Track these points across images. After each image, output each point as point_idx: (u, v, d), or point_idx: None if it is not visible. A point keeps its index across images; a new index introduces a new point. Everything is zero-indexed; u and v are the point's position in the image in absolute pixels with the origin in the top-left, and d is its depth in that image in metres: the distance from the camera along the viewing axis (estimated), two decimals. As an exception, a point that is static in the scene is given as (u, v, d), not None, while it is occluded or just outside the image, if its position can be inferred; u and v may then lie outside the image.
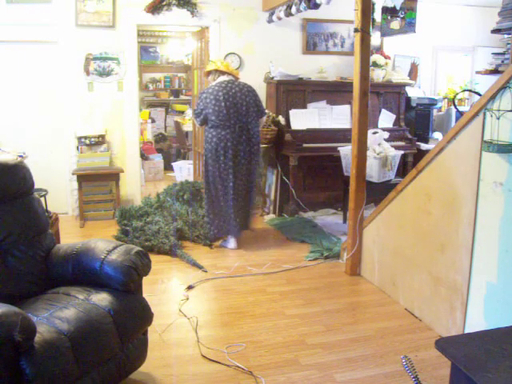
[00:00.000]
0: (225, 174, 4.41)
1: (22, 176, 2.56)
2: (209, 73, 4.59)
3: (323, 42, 6.30)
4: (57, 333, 1.97)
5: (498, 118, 2.47)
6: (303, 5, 5.04)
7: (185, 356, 2.80)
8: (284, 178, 5.63)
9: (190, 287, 3.73)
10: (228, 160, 4.37)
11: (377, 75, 6.01)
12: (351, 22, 4.88)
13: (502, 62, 3.84)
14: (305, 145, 5.55)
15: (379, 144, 5.03)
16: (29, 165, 2.66)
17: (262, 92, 6.15)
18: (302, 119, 5.72)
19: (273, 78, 5.77)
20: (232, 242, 4.62)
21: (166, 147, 8.95)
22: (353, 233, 3.92)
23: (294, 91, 5.79)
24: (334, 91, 5.93)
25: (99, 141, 5.65)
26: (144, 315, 2.44)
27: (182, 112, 8.98)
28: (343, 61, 6.38)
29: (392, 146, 5.16)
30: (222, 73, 4.50)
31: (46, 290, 2.45)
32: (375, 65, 6.00)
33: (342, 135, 5.66)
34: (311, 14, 5.81)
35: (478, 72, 4.52)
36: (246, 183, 4.53)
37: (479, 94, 2.89)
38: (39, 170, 3.95)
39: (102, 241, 2.57)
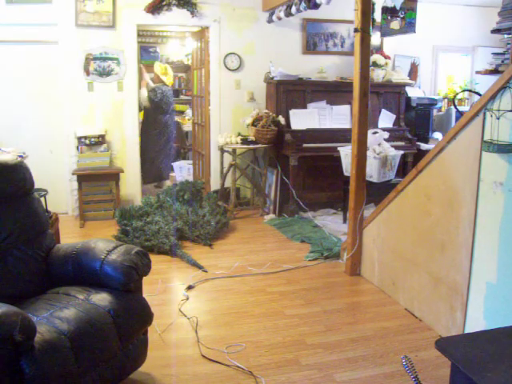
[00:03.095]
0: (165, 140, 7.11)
1: (21, 176, 2.56)
2: (156, 74, 6.98)
3: (323, 42, 6.31)
4: (57, 333, 1.97)
5: (498, 118, 2.47)
6: (303, 5, 5.04)
7: (185, 356, 2.80)
8: (284, 178, 5.63)
9: (190, 287, 3.73)
10: (169, 133, 7.13)
11: (377, 75, 6.01)
12: (351, 22, 4.88)
13: (502, 61, 3.83)
14: (305, 145, 5.55)
15: (379, 144, 5.03)
16: (29, 165, 2.66)
17: (262, 92, 6.16)
18: (302, 119, 5.72)
19: (273, 78, 5.77)
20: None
21: (166, 147, 8.98)
22: (353, 233, 3.92)
23: (294, 91, 5.79)
24: (334, 91, 5.93)
25: (99, 141, 5.66)
26: (144, 315, 2.44)
27: (182, 112, 8.97)
28: (343, 61, 6.38)
29: (392, 146, 5.16)
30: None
31: (46, 290, 2.45)
32: (375, 65, 6.00)
33: (341, 135, 5.66)
34: (311, 14, 5.81)
35: (477, 72, 4.52)
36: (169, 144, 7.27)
37: (479, 94, 2.89)
38: (39, 170, 3.95)
39: (102, 241, 2.57)
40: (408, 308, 3.38)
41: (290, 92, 5.77)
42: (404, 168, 5.75)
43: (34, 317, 2.05)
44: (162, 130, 7.00)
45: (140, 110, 6.68)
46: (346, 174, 5.05)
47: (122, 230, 4.70)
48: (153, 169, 6.99)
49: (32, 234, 2.55)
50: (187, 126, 8.26)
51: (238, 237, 5.01)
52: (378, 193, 4.50)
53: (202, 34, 6.31)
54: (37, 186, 2.81)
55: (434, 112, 6.46)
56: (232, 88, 6.08)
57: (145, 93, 6.85)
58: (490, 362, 1.58)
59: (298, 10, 5.18)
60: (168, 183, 7.02)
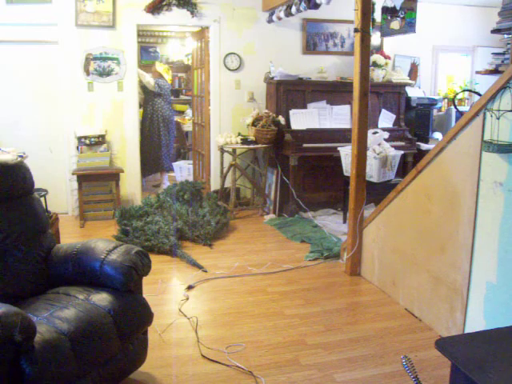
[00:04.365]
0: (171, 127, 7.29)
1: (22, 176, 2.56)
2: (157, 71, 7.07)
3: (323, 42, 6.30)
4: (57, 333, 1.97)
5: (498, 118, 2.47)
6: (303, 5, 5.04)
7: (185, 356, 2.80)
8: (284, 178, 5.63)
9: (190, 287, 3.73)
10: (172, 119, 7.28)
11: (377, 75, 6.01)
12: (351, 22, 4.89)
13: (502, 61, 3.84)
14: (305, 145, 5.55)
15: (379, 144, 5.03)
16: (29, 165, 2.66)
17: (262, 92, 6.16)
18: (302, 119, 5.72)
19: (273, 77, 5.77)
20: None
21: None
22: (353, 233, 3.92)
23: (294, 91, 5.79)
24: (334, 91, 5.93)
25: (99, 141, 5.65)
26: (144, 315, 2.44)
27: (182, 112, 8.97)
28: (343, 61, 6.38)
29: (392, 146, 5.16)
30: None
31: (46, 290, 2.45)
32: (375, 65, 6.00)
33: (341, 135, 5.67)
34: (311, 14, 5.81)
35: (478, 72, 4.52)
36: None
37: (479, 94, 2.89)
38: (39, 170, 3.96)
39: (101, 241, 2.57)
40: (408, 308, 3.38)
41: (290, 92, 5.76)
42: (404, 168, 5.74)
43: (34, 317, 2.05)
44: (166, 118, 7.01)
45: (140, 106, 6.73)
46: (346, 174, 5.05)
47: (122, 230, 4.69)
48: (154, 157, 6.96)
49: (32, 234, 2.55)
50: (187, 126, 8.26)
51: (238, 237, 5.01)
52: (378, 193, 4.51)
53: (202, 34, 6.31)
54: (37, 185, 2.81)
55: (434, 112, 6.45)
56: (232, 88, 6.08)
57: (151, 79, 6.87)
58: (490, 362, 1.58)
59: (298, 10, 5.18)
60: (166, 182, 7.02)
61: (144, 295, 2.54)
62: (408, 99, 6.23)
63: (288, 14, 5.40)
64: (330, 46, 6.34)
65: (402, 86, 6.17)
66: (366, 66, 3.72)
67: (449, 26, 6.74)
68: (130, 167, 5.88)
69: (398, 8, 3.91)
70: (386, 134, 5.18)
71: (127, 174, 5.81)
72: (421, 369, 2.63)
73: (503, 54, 3.87)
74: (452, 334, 2.82)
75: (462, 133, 2.79)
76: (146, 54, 9.18)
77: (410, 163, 5.80)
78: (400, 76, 6.21)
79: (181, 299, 3.52)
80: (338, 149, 5.18)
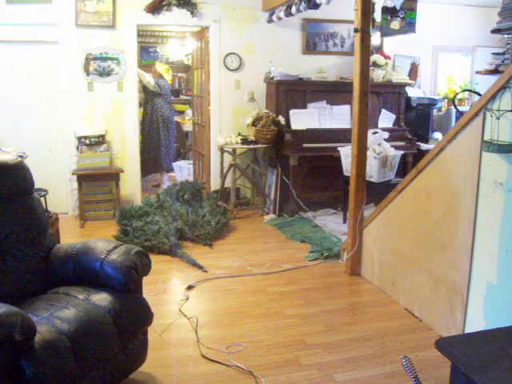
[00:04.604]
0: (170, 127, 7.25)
1: (22, 176, 2.56)
2: (158, 72, 7.04)
3: (323, 42, 6.31)
4: (57, 333, 1.97)
5: (498, 118, 2.47)
6: (303, 5, 5.04)
7: (185, 356, 2.80)
8: (284, 178, 5.63)
9: (190, 287, 3.73)
10: (172, 119, 7.24)
11: (377, 75, 6.01)
12: (351, 22, 4.88)
13: (502, 61, 3.84)
14: (305, 145, 5.55)
15: (379, 144, 5.03)
16: (29, 165, 2.66)
17: (262, 92, 6.16)
18: (302, 119, 5.72)
19: (273, 78, 5.77)
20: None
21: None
22: (353, 233, 3.92)
23: (294, 91, 5.79)
24: (334, 91, 5.93)
25: (99, 141, 5.65)
26: (144, 315, 2.44)
27: (182, 112, 8.97)
28: (343, 61, 6.38)
29: (392, 146, 5.16)
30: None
31: (46, 290, 2.45)
32: (375, 65, 6.00)
33: (342, 135, 5.67)
34: (311, 14, 5.81)
35: (478, 72, 4.52)
36: None
37: (479, 94, 2.89)
38: (39, 170, 3.95)
39: (101, 241, 2.57)
40: (408, 308, 3.38)
41: (289, 92, 5.77)
42: (404, 168, 5.74)
43: (34, 317, 2.05)
44: (166, 118, 6.99)
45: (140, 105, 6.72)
46: (346, 174, 5.05)
47: (122, 230, 4.69)
48: (154, 157, 6.93)
49: (32, 234, 2.55)
50: (187, 126, 8.26)
51: (238, 237, 5.01)
52: (378, 193, 4.51)
53: (202, 34, 6.31)
54: (37, 185, 2.81)
55: (434, 112, 6.46)
56: (232, 88, 6.08)
57: (151, 79, 6.84)
58: (490, 362, 1.58)
59: (298, 10, 5.18)
60: (166, 182, 7.02)
61: (144, 295, 2.54)
62: (408, 99, 6.23)
63: (288, 14, 5.40)
64: (330, 46, 6.34)
65: (402, 85, 6.17)
66: (366, 66, 3.72)
67: (449, 26, 6.74)
68: (130, 167, 5.88)
69: (398, 8, 3.91)
70: (386, 134, 5.18)
71: (127, 174, 5.81)
72: (421, 369, 2.63)
73: (503, 53, 3.87)
74: (452, 334, 2.82)
75: (462, 133, 2.79)
76: (146, 53, 9.18)
77: (410, 163, 5.80)
78: (400, 76, 6.21)
79: (181, 299, 3.52)
80: (338, 149, 5.18)
